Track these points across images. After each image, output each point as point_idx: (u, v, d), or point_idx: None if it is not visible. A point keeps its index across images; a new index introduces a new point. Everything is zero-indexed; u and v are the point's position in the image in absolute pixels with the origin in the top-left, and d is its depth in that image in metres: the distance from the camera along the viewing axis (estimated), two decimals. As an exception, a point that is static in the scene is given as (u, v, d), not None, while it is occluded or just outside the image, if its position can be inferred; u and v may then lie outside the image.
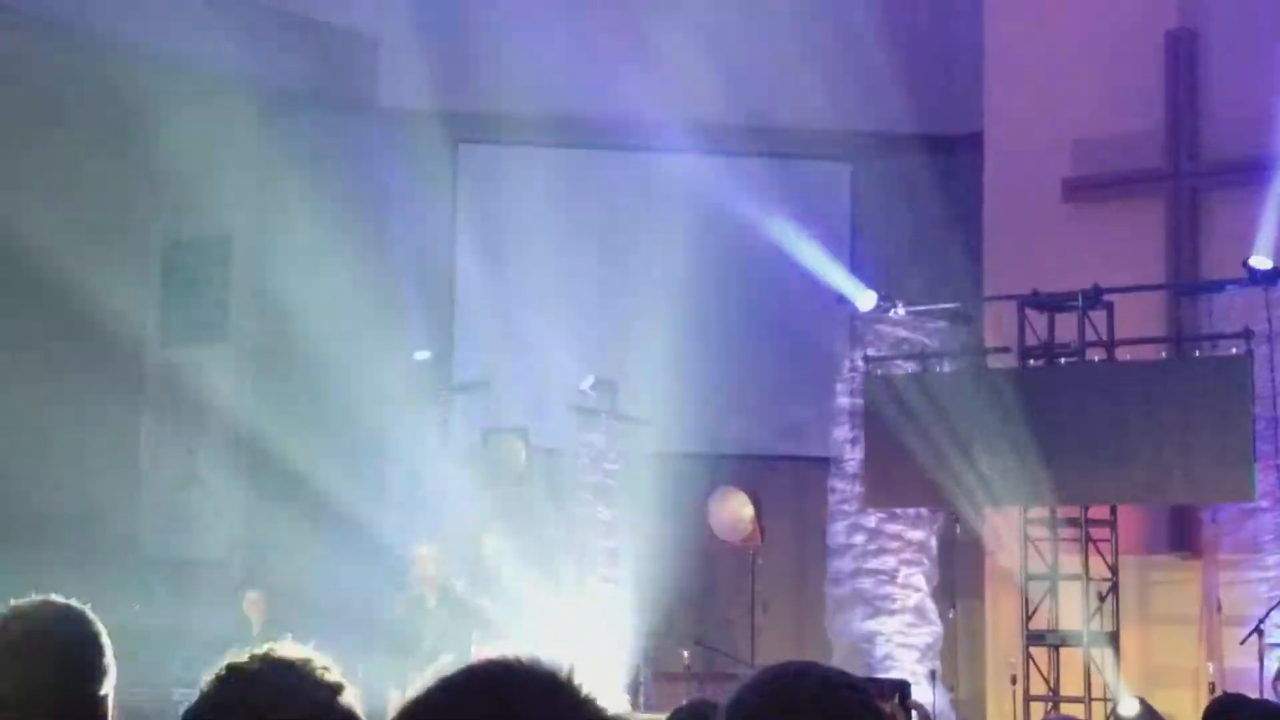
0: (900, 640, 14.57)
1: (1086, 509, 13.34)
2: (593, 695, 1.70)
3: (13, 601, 3.09)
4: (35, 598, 3.12)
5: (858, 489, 14.63)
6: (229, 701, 2.43)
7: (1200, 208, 14.16)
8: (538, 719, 1.65)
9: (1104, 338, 13.31)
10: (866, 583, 14.72)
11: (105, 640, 3.11)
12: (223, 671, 2.45)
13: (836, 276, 14.98)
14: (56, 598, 3.13)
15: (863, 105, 16.19)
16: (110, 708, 3.05)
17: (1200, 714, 11.78)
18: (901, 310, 14.68)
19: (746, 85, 16.26)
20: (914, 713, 12.27)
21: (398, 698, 11.84)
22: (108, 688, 3.07)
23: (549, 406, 15.47)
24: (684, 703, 5.82)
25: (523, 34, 16.15)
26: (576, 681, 1.70)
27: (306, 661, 2.48)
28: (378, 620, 13.10)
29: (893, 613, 14.63)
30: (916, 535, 14.71)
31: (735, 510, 15.16)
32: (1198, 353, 13.01)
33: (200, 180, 16.41)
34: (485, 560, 14.19)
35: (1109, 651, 13.09)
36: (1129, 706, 12.65)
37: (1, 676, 2.98)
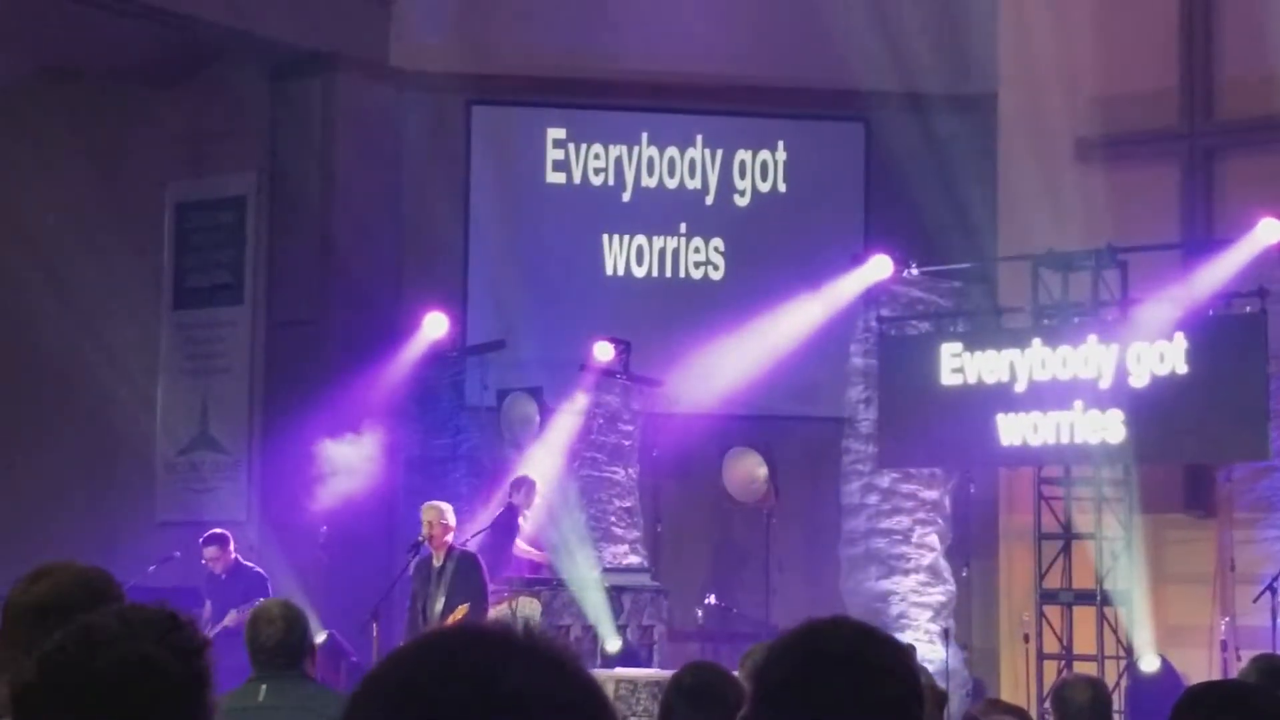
0: (914, 599, 14.59)
1: (1101, 468, 13.35)
2: (567, 652, 1.63)
3: (36, 564, 3.12)
4: (57, 559, 3.15)
5: (872, 449, 14.64)
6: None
7: (1214, 167, 14.12)
8: (512, 683, 1.58)
9: (1118, 296, 13.29)
10: (880, 542, 14.74)
11: (125, 599, 3.13)
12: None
13: (851, 238, 14.93)
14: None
15: (877, 64, 16.13)
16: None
17: (1212, 672, 11.86)
18: (915, 270, 14.66)
19: (760, 43, 16.22)
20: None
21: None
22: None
23: (563, 367, 15.47)
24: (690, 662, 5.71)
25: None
26: (549, 640, 1.62)
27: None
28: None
29: (907, 572, 14.65)
30: (930, 495, 14.72)
31: (749, 470, 15.16)
32: (1211, 312, 12.99)
33: (213, 142, 16.42)
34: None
35: (1122, 610, 13.13)
36: (1150, 663, 12.69)
37: (27, 637, 3.00)
